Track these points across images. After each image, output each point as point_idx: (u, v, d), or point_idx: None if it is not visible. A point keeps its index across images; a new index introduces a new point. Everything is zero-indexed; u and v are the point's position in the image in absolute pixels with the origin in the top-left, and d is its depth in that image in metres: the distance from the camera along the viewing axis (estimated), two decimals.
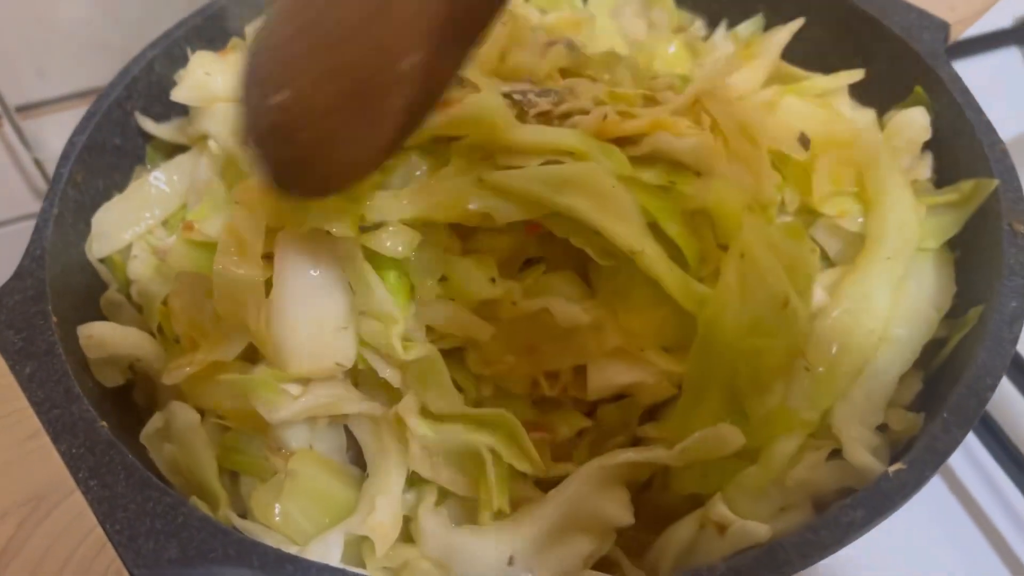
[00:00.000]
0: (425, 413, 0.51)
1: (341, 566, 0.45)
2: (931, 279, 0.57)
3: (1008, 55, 0.98)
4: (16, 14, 0.85)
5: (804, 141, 0.59)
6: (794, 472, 0.49)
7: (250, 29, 0.71)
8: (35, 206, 0.98)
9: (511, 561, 0.47)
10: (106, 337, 0.57)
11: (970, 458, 0.69)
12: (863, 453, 0.49)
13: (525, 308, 0.51)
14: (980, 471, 0.68)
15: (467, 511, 0.51)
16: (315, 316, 0.51)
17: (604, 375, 0.51)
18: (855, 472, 0.49)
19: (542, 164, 0.52)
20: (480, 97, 0.52)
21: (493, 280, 0.52)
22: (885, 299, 0.54)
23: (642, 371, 0.51)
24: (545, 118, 0.55)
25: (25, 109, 0.91)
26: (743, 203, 0.53)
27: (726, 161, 0.54)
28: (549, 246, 0.54)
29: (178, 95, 0.67)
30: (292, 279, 0.52)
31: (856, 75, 0.66)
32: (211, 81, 0.66)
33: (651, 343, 0.51)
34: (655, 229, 0.52)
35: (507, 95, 0.55)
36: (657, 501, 0.52)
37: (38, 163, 0.95)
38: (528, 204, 0.51)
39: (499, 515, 0.49)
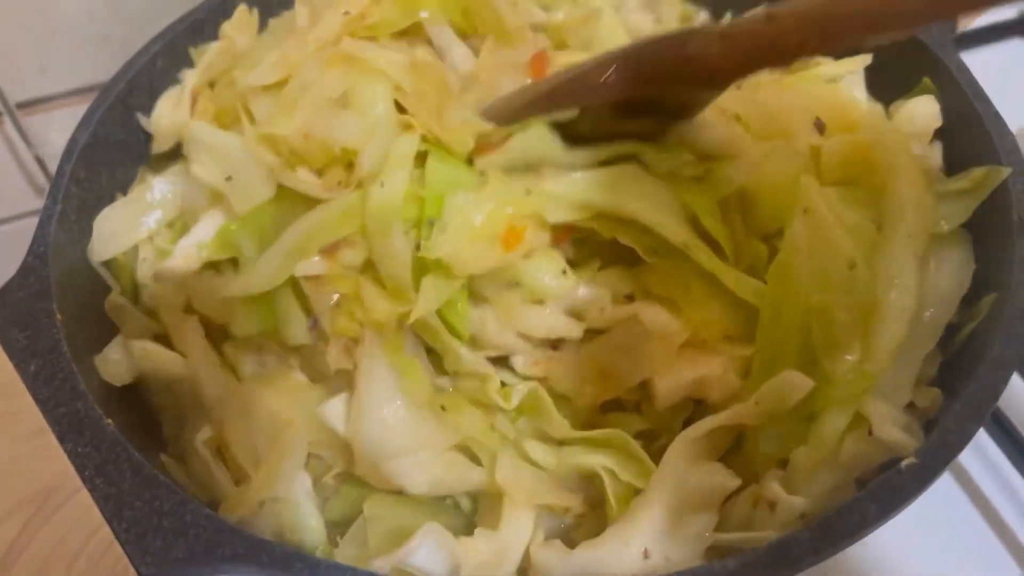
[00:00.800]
0: (542, 437, 0.53)
1: (352, 565, 0.44)
2: (950, 259, 0.56)
3: (1014, 47, 0.98)
4: (17, 9, 0.84)
5: (820, 125, 0.59)
6: (845, 447, 0.49)
7: (226, 27, 0.70)
8: (37, 203, 0.97)
9: (647, 554, 0.47)
10: (159, 356, 0.57)
11: (978, 451, 0.68)
12: (893, 429, 0.49)
13: (614, 315, 0.53)
14: (988, 464, 0.68)
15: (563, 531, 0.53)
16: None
17: (671, 379, 0.52)
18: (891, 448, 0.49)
19: None
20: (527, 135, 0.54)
21: (564, 272, 0.53)
22: (913, 276, 0.53)
23: (708, 363, 0.52)
24: None
25: (26, 105, 0.90)
26: (794, 168, 0.54)
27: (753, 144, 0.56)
28: (581, 249, 0.56)
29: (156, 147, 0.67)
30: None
31: (864, 60, 0.66)
32: (177, 122, 0.66)
33: (715, 334, 0.53)
34: (695, 223, 0.53)
35: None
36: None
37: (39, 160, 0.95)
38: (576, 207, 0.53)
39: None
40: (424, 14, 0.63)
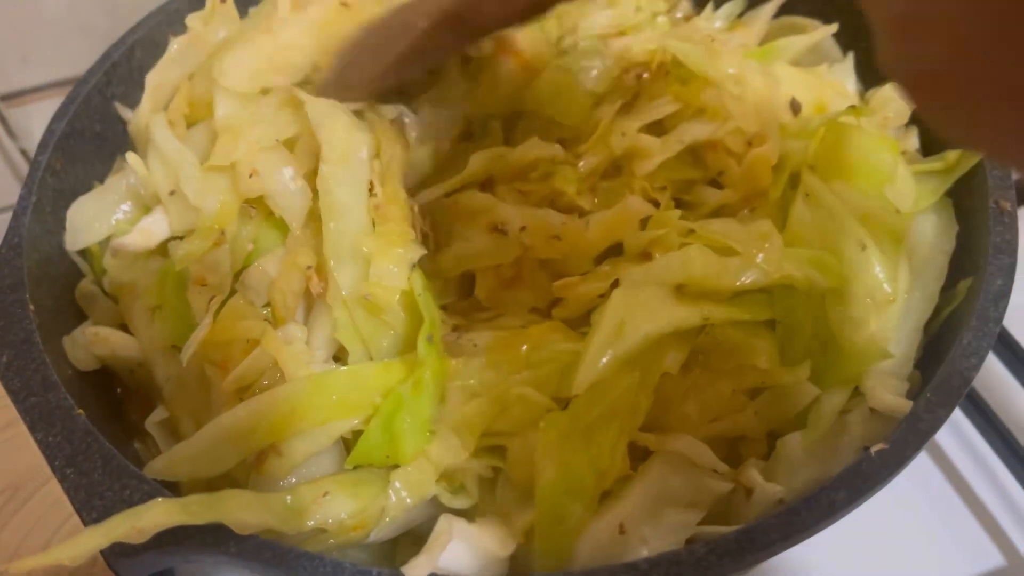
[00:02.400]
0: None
1: (319, 554, 0.44)
2: (932, 227, 0.57)
3: None
4: None
5: (795, 106, 0.59)
6: (848, 426, 0.50)
7: (192, 19, 0.70)
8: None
9: (621, 529, 0.46)
10: (112, 339, 0.57)
11: (958, 435, 0.68)
12: (888, 395, 0.49)
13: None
14: (968, 448, 0.68)
15: None
16: None
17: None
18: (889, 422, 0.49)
19: None
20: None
21: None
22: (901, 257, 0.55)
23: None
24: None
25: (9, 97, 0.90)
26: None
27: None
28: None
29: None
30: None
31: (828, 30, 0.66)
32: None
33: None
34: None
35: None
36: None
37: (24, 152, 0.94)
38: None
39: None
40: None
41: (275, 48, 0.63)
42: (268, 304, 0.54)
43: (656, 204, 0.56)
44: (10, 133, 0.92)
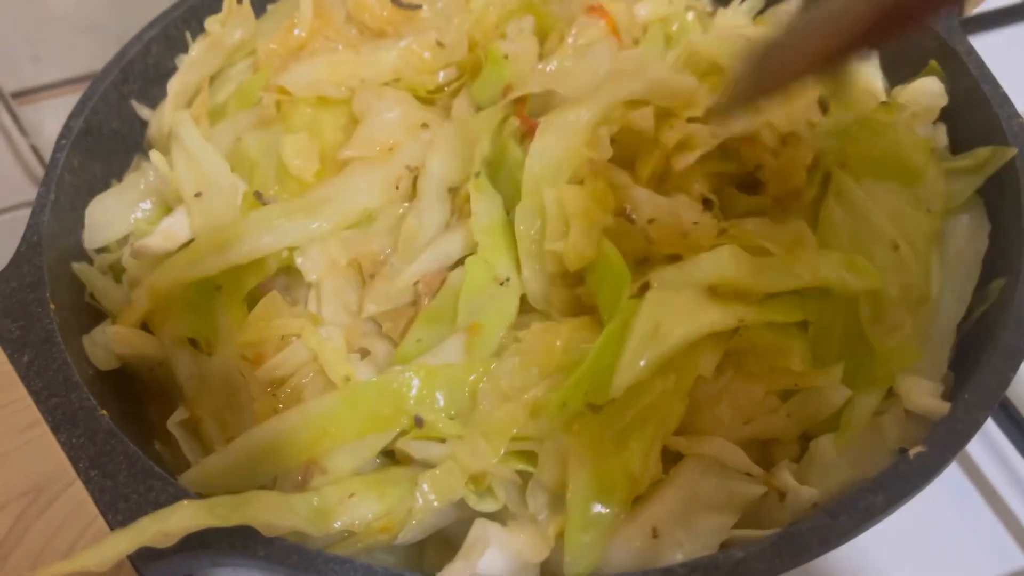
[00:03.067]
0: None
1: (349, 558, 0.44)
2: (964, 227, 0.57)
3: (1018, 31, 0.96)
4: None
5: (823, 104, 0.59)
6: (883, 428, 0.49)
7: (211, 24, 0.69)
8: (32, 193, 0.96)
9: (655, 533, 0.46)
10: (132, 337, 0.56)
11: (982, 437, 0.68)
12: (925, 396, 0.49)
13: None
14: (992, 450, 0.67)
15: None
16: None
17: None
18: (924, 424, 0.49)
19: None
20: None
21: None
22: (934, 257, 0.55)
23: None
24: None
25: (21, 95, 0.89)
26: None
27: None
28: None
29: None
30: None
31: None
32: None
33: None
34: None
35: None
36: None
37: (35, 150, 0.94)
38: None
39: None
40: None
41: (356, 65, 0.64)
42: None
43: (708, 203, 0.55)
44: (22, 130, 0.91)
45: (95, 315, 0.59)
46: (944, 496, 0.65)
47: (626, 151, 0.57)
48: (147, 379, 0.59)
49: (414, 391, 0.49)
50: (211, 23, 0.68)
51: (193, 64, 0.66)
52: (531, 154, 0.54)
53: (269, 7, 0.73)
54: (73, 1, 0.85)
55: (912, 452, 0.44)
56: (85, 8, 0.86)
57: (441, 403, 0.50)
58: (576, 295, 0.53)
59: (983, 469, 0.66)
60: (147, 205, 0.63)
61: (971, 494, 0.65)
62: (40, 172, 0.95)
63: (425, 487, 0.47)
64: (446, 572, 0.42)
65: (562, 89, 0.59)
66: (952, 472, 0.67)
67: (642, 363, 0.46)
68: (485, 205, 0.55)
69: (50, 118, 0.91)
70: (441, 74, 0.66)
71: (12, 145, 0.92)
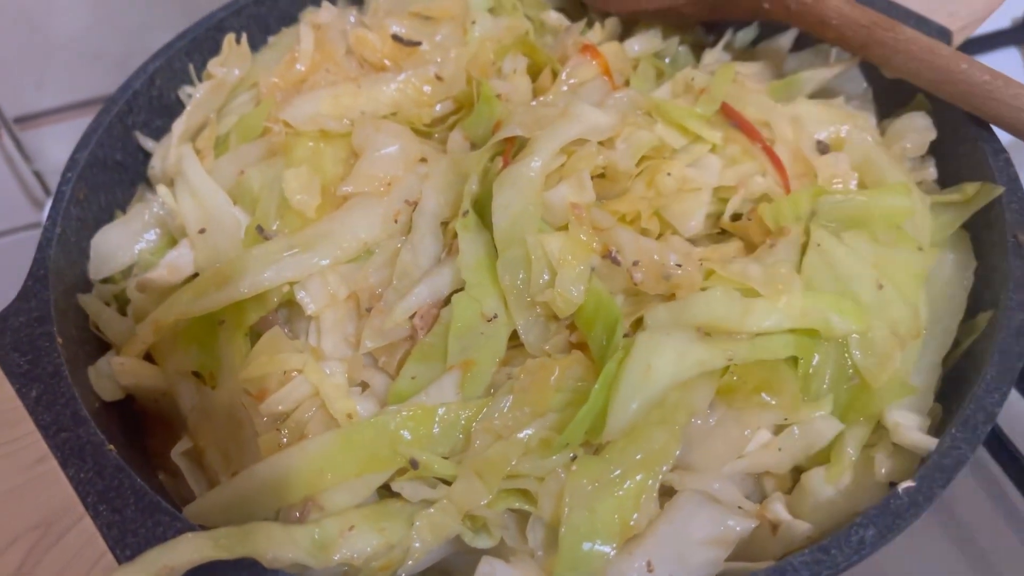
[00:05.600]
0: None
1: None
2: (950, 263, 0.58)
3: (1007, 56, 0.98)
4: (14, 26, 0.84)
5: (822, 148, 0.60)
6: (873, 461, 0.51)
7: (212, 65, 0.70)
8: (34, 217, 0.98)
9: (650, 567, 0.47)
10: (137, 369, 0.57)
11: (975, 465, 0.69)
12: (913, 431, 0.50)
13: None
14: (986, 479, 0.68)
15: None
16: None
17: None
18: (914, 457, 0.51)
19: None
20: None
21: None
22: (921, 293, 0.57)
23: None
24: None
25: (23, 120, 0.91)
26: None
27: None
28: None
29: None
30: None
31: (853, 61, 0.67)
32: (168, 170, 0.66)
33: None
34: None
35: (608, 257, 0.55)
36: None
37: (37, 174, 0.95)
38: None
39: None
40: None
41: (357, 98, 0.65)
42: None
43: None
44: (24, 155, 0.93)
45: (100, 346, 0.61)
46: (939, 529, 0.66)
47: (611, 185, 0.59)
48: (151, 410, 0.60)
49: (409, 432, 0.50)
50: (213, 66, 0.70)
51: (197, 106, 0.67)
52: (494, 212, 0.55)
53: (270, 39, 0.74)
54: (76, 28, 0.86)
55: (901, 487, 0.45)
56: (87, 36, 0.87)
57: (436, 443, 0.50)
58: (567, 335, 0.54)
59: (979, 502, 0.67)
60: (151, 236, 0.64)
61: (966, 528, 0.66)
62: (42, 195, 0.97)
63: (422, 526, 0.48)
64: None
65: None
66: (944, 504, 0.68)
67: (634, 406, 0.48)
68: (471, 244, 0.55)
69: (53, 143, 0.93)
70: (438, 107, 0.67)
71: (14, 169, 0.94)
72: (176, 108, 0.71)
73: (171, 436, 0.59)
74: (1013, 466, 0.65)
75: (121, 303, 0.63)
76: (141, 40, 0.89)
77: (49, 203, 0.91)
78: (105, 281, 0.63)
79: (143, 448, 0.60)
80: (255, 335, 0.56)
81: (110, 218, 0.66)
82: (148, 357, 0.59)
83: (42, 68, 0.88)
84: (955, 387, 0.54)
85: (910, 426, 0.50)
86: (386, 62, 0.68)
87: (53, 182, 0.96)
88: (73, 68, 0.89)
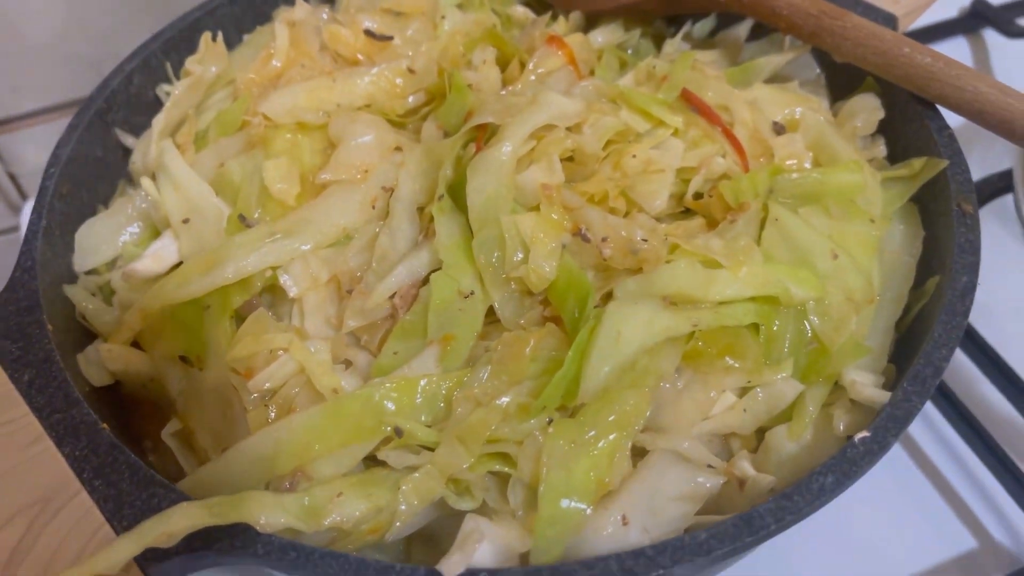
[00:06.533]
0: None
1: (344, 552, 0.47)
2: (900, 234, 0.62)
3: (955, 44, 1.02)
4: None
5: (779, 128, 0.63)
6: (831, 418, 0.54)
7: (190, 63, 0.73)
8: (10, 220, 0.98)
9: (624, 520, 0.49)
10: (125, 355, 0.59)
11: (927, 425, 0.72)
12: (868, 387, 0.54)
13: None
14: (937, 437, 0.72)
15: None
16: None
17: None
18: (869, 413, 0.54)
19: None
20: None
21: None
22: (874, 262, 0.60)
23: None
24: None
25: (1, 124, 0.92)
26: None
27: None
28: None
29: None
30: None
31: (806, 48, 0.70)
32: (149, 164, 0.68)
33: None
34: None
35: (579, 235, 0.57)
36: None
37: (13, 177, 0.96)
38: None
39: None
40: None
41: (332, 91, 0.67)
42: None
43: None
44: (0, 159, 0.94)
45: (85, 335, 0.62)
46: (892, 482, 0.70)
47: (579, 168, 0.62)
48: (139, 394, 0.62)
49: (393, 403, 0.52)
50: (191, 63, 0.72)
51: (176, 102, 0.69)
52: (469, 195, 0.57)
53: (245, 37, 0.76)
54: (51, 33, 0.88)
55: (857, 437, 0.48)
56: (63, 39, 0.88)
57: (418, 412, 0.53)
58: (540, 310, 0.57)
59: (929, 455, 0.71)
60: (134, 229, 0.66)
61: (919, 479, 0.70)
62: (17, 199, 0.98)
63: (407, 488, 0.51)
64: (444, 564, 0.45)
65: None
66: (900, 459, 0.72)
67: (606, 369, 0.50)
68: (447, 226, 0.58)
69: (29, 146, 0.94)
70: (411, 98, 0.69)
71: None
72: (154, 105, 0.73)
73: (159, 419, 0.61)
74: (959, 418, 0.69)
75: (105, 294, 0.65)
76: (115, 43, 0.90)
77: (27, 207, 0.93)
78: (89, 273, 0.65)
79: (131, 431, 0.61)
80: (239, 319, 0.58)
81: (93, 212, 0.67)
82: (135, 344, 0.61)
83: (18, 72, 0.89)
84: (907, 349, 0.57)
85: (865, 383, 0.53)
86: (359, 56, 0.71)
87: (29, 185, 0.97)
88: (49, 72, 0.90)
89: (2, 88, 0.89)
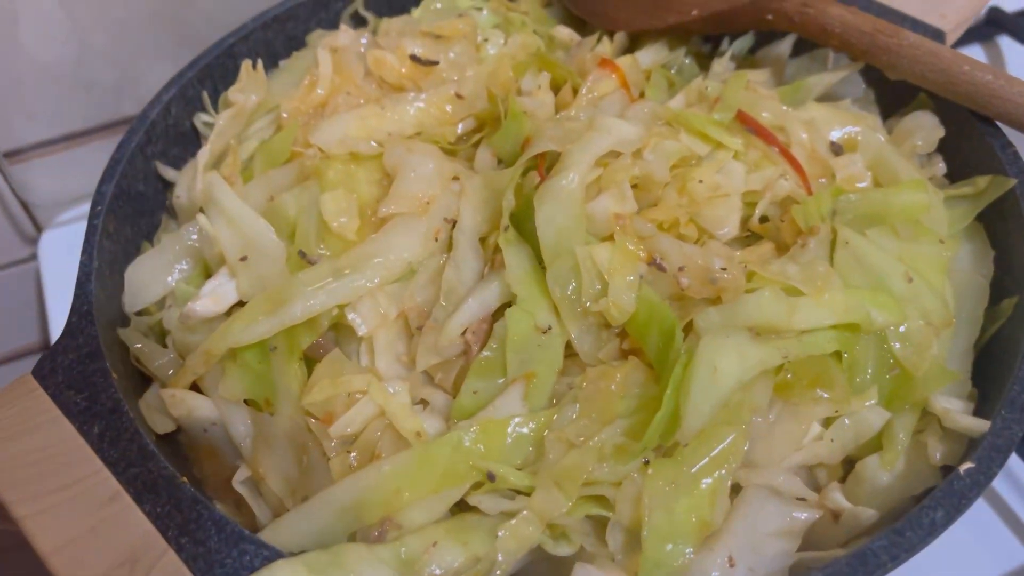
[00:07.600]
0: None
1: None
2: (968, 255, 0.62)
3: (971, 52, 1.02)
4: (3, 57, 0.82)
5: (836, 149, 0.63)
6: (924, 446, 0.53)
7: (232, 93, 0.70)
8: (23, 251, 0.95)
9: (731, 562, 0.48)
10: (188, 400, 0.57)
11: None
12: (962, 416, 0.53)
13: None
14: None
15: None
16: None
17: None
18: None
19: None
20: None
21: None
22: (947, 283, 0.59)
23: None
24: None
25: (14, 154, 0.89)
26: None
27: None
28: None
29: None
30: None
31: (856, 66, 0.70)
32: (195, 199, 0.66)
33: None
34: None
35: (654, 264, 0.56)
36: None
37: (26, 207, 0.93)
38: None
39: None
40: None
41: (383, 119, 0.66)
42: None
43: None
44: (12, 188, 0.91)
45: (142, 379, 0.60)
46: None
47: (644, 194, 0.61)
48: (199, 439, 0.60)
49: (483, 446, 0.51)
50: (233, 93, 0.69)
51: (220, 133, 0.67)
52: (539, 226, 0.56)
53: (282, 63, 0.75)
54: (67, 60, 0.85)
55: (963, 469, 0.48)
56: (79, 66, 0.86)
57: (509, 455, 0.51)
58: (618, 343, 0.56)
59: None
60: (183, 266, 0.64)
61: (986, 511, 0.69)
62: (31, 230, 0.95)
63: (506, 537, 0.49)
64: None
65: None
66: None
67: (708, 407, 0.49)
68: (516, 257, 0.57)
69: (42, 175, 0.91)
70: (460, 126, 0.68)
71: (3, 204, 0.92)
72: (191, 136, 0.71)
73: (219, 465, 0.59)
74: None
75: (156, 335, 0.63)
76: (134, 69, 0.88)
77: (44, 237, 0.90)
78: (140, 313, 0.63)
79: (193, 479, 0.59)
80: (306, 360, 0.57)
81: (137, 250, 0.65)
82: (194, 387, 0.59)
83: (33, 100, 0.86)
84: (988, 371, 0.56)
85: (959, 411, 0.53)
86: (406, 83, 0.69)
87: (43, 216, 0.94)
88: (65, 99, 0.87)
89: (18, 116, 0.86)
